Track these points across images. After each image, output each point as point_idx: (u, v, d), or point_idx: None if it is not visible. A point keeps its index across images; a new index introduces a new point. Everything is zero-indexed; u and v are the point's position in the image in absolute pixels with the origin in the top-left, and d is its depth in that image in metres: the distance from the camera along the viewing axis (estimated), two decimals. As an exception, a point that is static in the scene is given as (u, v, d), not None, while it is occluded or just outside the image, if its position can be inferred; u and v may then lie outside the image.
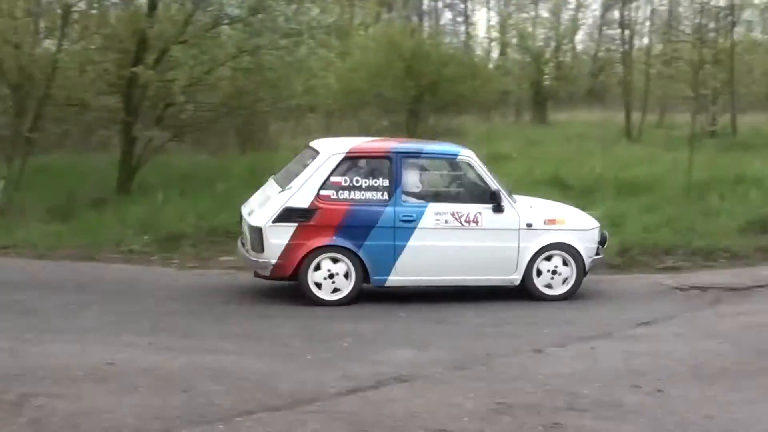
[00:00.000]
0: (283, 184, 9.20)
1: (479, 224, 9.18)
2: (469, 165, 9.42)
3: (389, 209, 9.03)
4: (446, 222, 9.11)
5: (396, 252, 9.04)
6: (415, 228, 9.06)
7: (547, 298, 9.35)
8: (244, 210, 9.50)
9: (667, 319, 8.65)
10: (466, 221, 9.16)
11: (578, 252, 9.42)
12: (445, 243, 9.10)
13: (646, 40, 35.00)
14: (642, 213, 12.70)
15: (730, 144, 22.84)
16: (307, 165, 9.16)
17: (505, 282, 9.37)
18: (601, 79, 42.96)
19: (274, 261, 8.88)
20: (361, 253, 8.97)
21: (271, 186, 9.54)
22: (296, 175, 9.17)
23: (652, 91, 29.84)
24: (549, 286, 9.40)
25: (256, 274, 9.30)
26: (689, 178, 14.40)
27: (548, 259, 9.38)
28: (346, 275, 8.98)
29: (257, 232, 8.88)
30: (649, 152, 19.40)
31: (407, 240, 9.05)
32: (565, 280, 9.42)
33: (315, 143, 9.85)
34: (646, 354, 7.30)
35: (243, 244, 9.40)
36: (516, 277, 9.32)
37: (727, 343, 7.63)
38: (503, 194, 9.27)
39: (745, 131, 26.15)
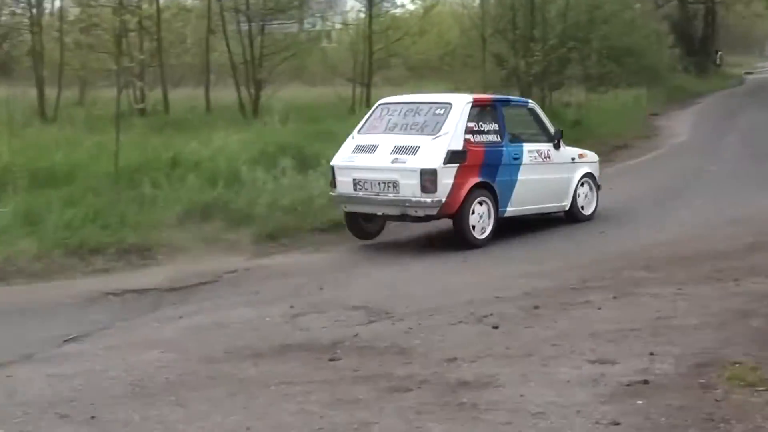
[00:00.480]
0: (415, 132, 11.27)
1: (551, 159, 12.36)
2: (536, 111, 12.65)
3: (505, 149, 11.69)
4: (535, 158, 12.10)
5: (512, 186, 11.69)
6: (521, 164, 11.85)
7: (584, 218, 12.87)
8: (369, 159, 11.31)
9: (100, 331, 8.41)
10: (544, 157, 12.25)
11: (595, 179, 13.22)
12: (537, 176, 12.05)
13: (58, 3, 34.40)
14: (64, 207, 12.14)
15: (163, 123, 23.12)
16: (441, 114, 11.29)
17: (560, 208, 12.71)
18: (7, 49, 41.71)
19: (444, 199, 10.84)
20: (495, 187, 11.42)
21: (381, 138, 11.44)
22: (431, 124, 11.26)
23: (70, 63, 29.31)
24: (583, 208, 12.95)
25: (409, 218, 11.26)
26: (117, 163, 14.16)
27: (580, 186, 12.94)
28: (489, 212, 11.36)
29: (431, 174, 10.79)
30: (68, 134, 18.86)
31: (517, 175, 11.78)
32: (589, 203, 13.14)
33: (424, 97, 12.50)
34: (75, 376, 6.93)
35: (377, 191, 11.16)
36: (566, 203, 12.70)
37: (169, 352, 7.51)
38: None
39: (178, 108, 26.73)
